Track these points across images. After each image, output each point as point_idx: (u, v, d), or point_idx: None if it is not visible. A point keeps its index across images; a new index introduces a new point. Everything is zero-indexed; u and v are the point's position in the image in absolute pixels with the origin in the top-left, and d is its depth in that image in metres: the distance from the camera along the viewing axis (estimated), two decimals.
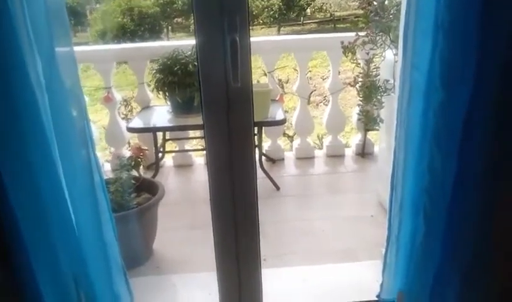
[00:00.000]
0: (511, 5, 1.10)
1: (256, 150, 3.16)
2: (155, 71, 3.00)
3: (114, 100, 3.35)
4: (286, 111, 3.83)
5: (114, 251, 1.43)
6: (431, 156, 1.27)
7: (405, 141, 1.35)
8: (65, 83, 1.18)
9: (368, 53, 2.72)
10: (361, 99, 2.82)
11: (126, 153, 3.13)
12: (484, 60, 1.14)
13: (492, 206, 1.28)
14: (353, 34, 2.69)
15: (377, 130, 3.02)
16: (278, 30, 10.04)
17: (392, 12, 2.49)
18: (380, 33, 2.47)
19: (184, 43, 3.40)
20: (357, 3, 2.79)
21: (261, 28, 10.00)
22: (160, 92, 3.02)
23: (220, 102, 1.39)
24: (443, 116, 1.22)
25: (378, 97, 2.63)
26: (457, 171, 1.25)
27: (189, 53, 2.95)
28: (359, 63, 2.94)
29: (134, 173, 2.38)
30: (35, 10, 1.10)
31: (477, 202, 1.28)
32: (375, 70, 2.73)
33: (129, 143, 3.45)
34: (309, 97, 3.89)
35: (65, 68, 1.17)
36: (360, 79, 2.84)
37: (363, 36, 2.58)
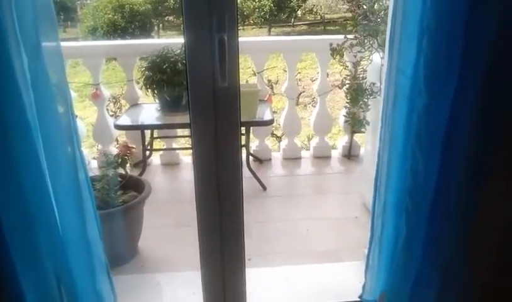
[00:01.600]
0: (495, 10, 1.12)
1: (244, 150, 3.17)
2: (144, 68, 3.00)
3: (102, 96, 3.33)
4: (275, 112, 3.85)
5: (97, 250, 1.42)
6: (414, 158, 1.30)
7: (389, 143, 1.37)
8: (51, 79, 1.17)
9: (355, 56, 2.75)
10: (348, 101, 2.85)
11: (114, 150, 3.11)
12: (468, 65, 1.17)
13: (472, 209, 1.31)
14: (342, 36, 2.71)
15: (364, 132, 3.06)
16: (269, 31, 10.07)
17: (380, 15, 2.52)
18: (368, 36, 2.50)
19: (173, 41, 3.40)
20: (347, 6, 2.81)
21: (252, 29, 10.01)
22: (149, 90, 3.01)
23: (207, 101, 1.39)
24: (427, 119, 1.25)
25: (365, 99, 2.66)
26: (439, 173, 1.28)
27: (178, 51, 2.94)
28: (347, 66, 2.97)
29: (121, 171, 2.37)
30: (22, 3, 1.08)
31: (458, 204, 1.30)
32: (362, 72, 2.76)
33: (117, 140, 3.43)
34: (298, 98, 3.92)
35: (51, 64, 1.16)
36: (348, 81, 2.87)
37: (351, 39, 2.61)
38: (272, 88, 4.81)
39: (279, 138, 4.16)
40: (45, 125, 1.20)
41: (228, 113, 1.42)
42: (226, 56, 1.32)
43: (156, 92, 2.99)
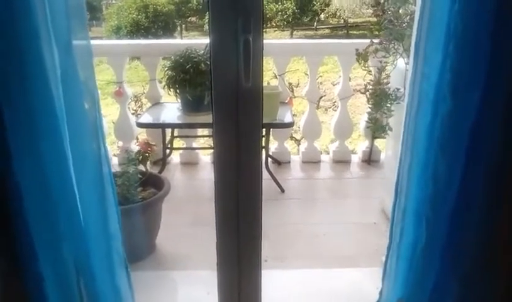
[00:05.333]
0: None
1: (263, 152, 3.17)
2: (167, 68, 3.03)
3: (125, 94, 3.39)
4: (295, 115, 3.84)
5: (117, 244, 1.44)
6: (436, 165, 1.28)
7: (411, 149, 1.36)
8: (80, 76, 1.20)
9: (380, 61, 2.73)
10: (370, 106, 2.83)
11: (134, 147, 3.16)
12: (493, 71, 1.15)
13: (494, 218, 1.28)
14: (364, 41, 2.70)
15: (385, 138, 3.03)
16: (291, 34, 10.07)
17: (406, 20, 2.50)
18: (394, 41, 2.47)
19: (197, 41, 3.43)
20: (371, 10, 2.80)
21: (275, 31, 10.03)
22: (171, 90, 3.05)
23: (230, 101, 1.40)
24: (450, 125, 1.23)
25: (388, 105, 2.64)
26: (461, 181, 1.26)
27: (202, 52, 2.97)
28: (370, 71, 2.95)
29: (141, 167, 2.40)
30: (56, 3, 1.12)
31: (479, 214, 1.28)
32: (386, 78, 2.73)
33: (137, 138, 3.48)
34: (319, 102, 3.90)
35: (80, 61, 1.19)
36: (371, 86, 2.84)
37: (376, 44, 2.59)
38: (292, 91, 4.80)
39: (298, 141, 4.15)
40: (72, 120, 1.22)
41: (250, 114, 1.43)
42: (250, 57, 1.33)
43: (178, 91, 3.03)
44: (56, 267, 1.30)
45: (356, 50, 2.76)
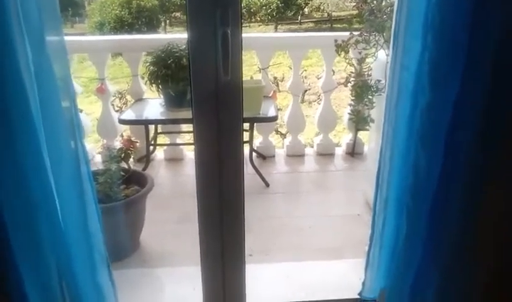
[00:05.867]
0: (501, 7, 1.11)
1: (247, 146, 3.17)
2: (148, 64, 3.00)
3: (107, 91, 3.35)
4: (280, 109, 3.84)
5: (98, 243, 1.42)
6: (416, 156, 1.29)
7: (391, 140, 1.37)
8: (55, 73, 1.17)
9: (360, 53, 2.73)
10: (352, 98, 2.84)
11: (119, 145, 3.12)
12: (472, 62, 1.16)
13: (474, 207, 1.30)
14: (346, 33, 2.70)
15: (368, 130, 3.04)
16: (276, 28, 10.04)
17: (386, 12, 2.51)
18: (374, 33, 2.48)
19: (179, 36, 3.40)
20: (354, 3, 2.80)
21: (259, 25, 9.99)
22: (153, 85, 3.02)
23: (210, 95, 1.39)
24: (430, 116, 1.24)
25: (370, 97, 2.65)
26: (441, 172, 1.27)
27: (183, 46, 2.94)
28: (352, 63, 2.95)
29: (125, 165, 2.38)
30: None
31: (459, 203, 1.30)
32: (367, 69, 2.75)
33: (122, 135, 3.44)
34: (303, 95, 3.91)
35: (55, 58, 1.17)
36: (353, 78, 2.85)
37: (357, 35, 2.60)
38: (277, 85, 4.80)
39: (283, 135, 4.15)
40: (48, 118, 1.20)
41: (231, 108, 1.42)
42: (229, 50, 1.32)
43: (160, 87, 3.00)
44: (36, 268, 1.28)
45: (335, 41, 2.76)
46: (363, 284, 1.62)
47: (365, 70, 2.77)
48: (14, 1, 1.06)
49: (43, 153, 1.21)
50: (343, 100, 4.72)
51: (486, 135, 1.23)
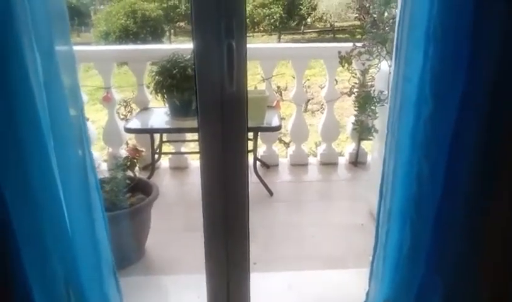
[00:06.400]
0: (502, 17, 1.12)
1: (251, 155, 3.18)
2: (154, 73, 3.03)
3: (113, 100, 3.38)
4: (283, 118, 3.86)
5: (105, 251, 1.43)
6: (420, 166, 1.30)
7: (395, 151, 1.38)
8: (63, 82, 1.19)
9: (364, 64, 2.76)
10: (356, 108, 2.85)
11: (124, 153, 3.15)
12: (474, 73, 1.17)
13: (478, 217, 1.30)
14: (349, 44, 2.72)
15: (371, 140, 3.05)
16: (279, 38, 10.10)
17: (389, 23, 2.53)
18: (377, 44, 2.51)
19: (184, 46, 3.44)
20: (356, 14, 2.82)
21: (262, 35, 10.06)
22: (159, 94, 3.05)
23: (215, 105, 1.41)
24: (433, 126, 1.25)
25: (373, 107, 2.67)
26: (444, 181, 1.28)
27: (188, 56, 2.98)
28: (355, 74, 2.97)
29: (130, 173, 2.40)
30: (36, 8, 1.11)
31: (463, 213, 1.30)
32: (370, 80, 2.77)
33: (127, 143, 3.47)
34: (306, 105, 3.93)
35: (64, 67, 1.19)
36: (356, 89, 2.87)
37: (359, 47, 2.62)
38: (280, 94, 4.82)
39: (287, 144, 4.17)
40: (57, 127, 1.22)
41: (236, 118, 1.44)
42: (234, 61, 1.34)
43: (166, 96, 3.03)
44: (44, 277, 1.29)
45: (339, 52, 2.78)
46: (367, 294, 1.62)
47: (368, 81, 2.79)
48: (24, 11, 1.08)
49: (52, 161, 1.22)
50: (346, 110, 4.74)
51: (489, 145, 1.23)
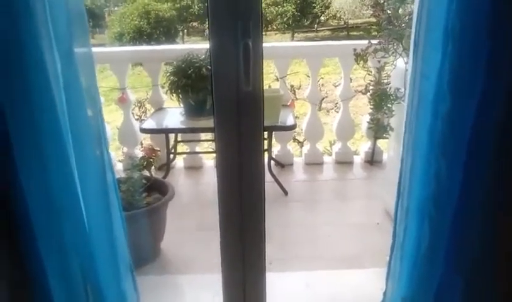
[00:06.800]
0: None
1: (266, 155, 3.18)
2: (169, 73, 3.05)
3: (128, 101, 3.42)
4: (297, 117, 3.85)
5: (122, 250, 1.45)
6: (438, 164, 1.28)
7: (412, 149, 1.36)
8: (82, 83, 1.21)
9: (379, 61, 2.73)
10: (371, 107, 2.83)
11: (139, 153, 3.18)
12: (493, 70, 1.15)
13: (497, 215, 1.29)
14: (364, 41, 2.70)
15: (386, 138, 3.03)
16: (292, 36, 10.08)
17: (405, 20, 2.50)
18: (393, 41, 2.48)
19: (198, 46, 3.45)
20: (371, 11, 2.80)
21: (276, 34, 10.05)
22: (174, 95, 3.07)
23: (231, 105, 1.41)
24: (451, 125, 1.23)
25: (389, 105, 2.64)
26: (463, 179, 1.26)
27: (203, 56, 2.99)
28: (371, 71, 2.95)
29: (146, 173, 2.42)
30: (57, 11, 1.13)
31: (482, 211, 1.28)
32: (386, 78, 2.74)
33: (141, 143, 3.50)
34: (320, 103, 3.91)
35: (82, 69, 1.20)
36: (372, 87, 2.85)
37: (375, 44, 2.60)
38: (294, 93, 4.80)
39: (301, 143, 4.16)
40: (75, 127, 1.24)
41: (252, 118, 1.44)
42: (250, 61, 1.34)
43: (180, 96, 3.04)
44: (63, 274, 1.30)
45: (354, 50, 2.76)
46: (384, 294, 1.61)
47: (384, 78, 2.77)
48: (43, 12, 1.10)
49: (70, 160, 1.24)
50: (361, 108, 4.70)
51: (508, 142, 1.22)
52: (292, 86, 4.48)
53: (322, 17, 10.49)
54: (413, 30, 1.35)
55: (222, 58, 1.38)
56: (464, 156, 1.24)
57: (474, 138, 1.22)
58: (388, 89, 2.68)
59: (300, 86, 4.83)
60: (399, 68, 2.56)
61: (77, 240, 1.32)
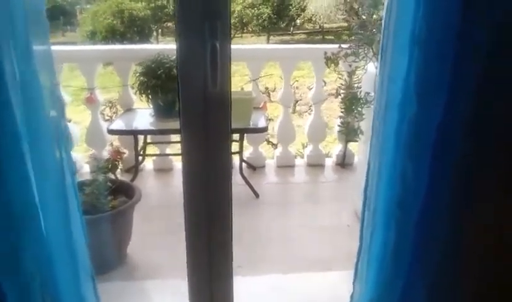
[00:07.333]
0: (487, 21, 1.12)
1: (237, 157, 3.16)
2: (138, 74, 2.99)
3: (96, 101, 3.33)
4: (271, 119, 3.85)
5: (83, 256, 1.40)
6: (404, 167, 1.29)
7: (379, 152, 1.37)
8: (41, 82, 1.16)
9: (350, 65, 2.75)
10: (342, 110, 2.85)
11: (107, 155, 3.09)
12: (458, 75, 1.17)
13: (461, 218, 1.30)
14: (336, 46, 2.71)
15: (357, 141, 3.05)
16: (268, 39, 10.11)
17: (377, 25, 2.53)
18: (363, 46, 2.50)
19: (169, 46, 3.40)
20: (349, 17, 2.82)
21: (251, 36, 10.06)
22: (143, 95, 3.01)
23: (198, 106, 1.39)
24: (417, 128, 1.24)
25: (359, 109, 2.66)
26: (428, 183, 1.27)
27: (174, 57, 2.94)
28: (342, 75, 2.97)
29: (112, 176, 2.36)
30: (13, 8, 1.08)
31: (447, 214, 1.30)
32: (357, 82, 2.76)
33: (112, 144, 3.41)
34: (295, 106, 3.93)
35: (42, 67, 1.16)
36: (343, 91, 2.87)
37: (346, 48, 2.61)
38: (269, 95, 4.81)
39: (275, 145, 4.16)
40: (33, 128, 1.18)
41: (219, 120, 1.42)
42: (217, 62, 1.32)
43: (150, 97, 2.99)
44: (18, 282, 1.25)
45: (325, 53, 2.77)
46: (352, 297, 1.61)
47: (355, 82, 2.79)
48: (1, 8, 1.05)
49: (26, 162, 1.18)
50: (335, 111, 4.73)
51: (473, 145, 1.24)
52: (266, 88, 4.48)
53: (298, 21, 10.57)
54: (381, 34, 1.35)
55: (189, 59, 1.35)
56: (430, 158, 1.25)
57: (440, 140, 1.23)
58: (359, 93, 2.70)
59: (275, 88, 4.83)
60: (370, 73, 2.58)
61: (33, 246, 1.26)
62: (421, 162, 1.26)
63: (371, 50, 2.48)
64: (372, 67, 2.55)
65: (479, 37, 1.14)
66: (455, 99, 1.19)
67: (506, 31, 1.14)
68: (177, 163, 3.52)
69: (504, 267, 1.39)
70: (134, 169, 3.17)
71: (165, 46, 4.11)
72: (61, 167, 1.25)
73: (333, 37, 9.44)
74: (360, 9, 2.70)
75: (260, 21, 9.91)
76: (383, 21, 1.36)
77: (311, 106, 4.04)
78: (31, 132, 1.18)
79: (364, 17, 2.62)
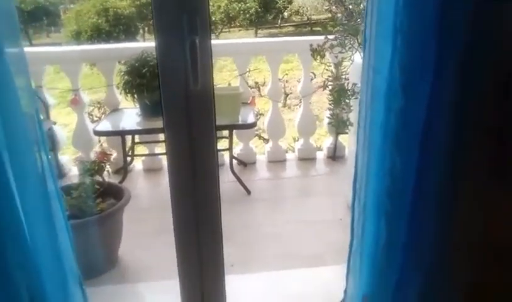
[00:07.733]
0: (467, 10, 1.11)
1: (228, 154, 3.13)
2: (123, 73, 2.94)
3: (81, 102, 3.27)
4: (262, 114, 3.82)
5: (69, 261, 1.37)
6: (392, 159, 1.27)
7: (367, 145, 1.35)
8: (15, 85, 1.13)
9: (336, 56, 2.73)
10: (330, 102, 2.83)
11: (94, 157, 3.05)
12: (442, 65, 1.15)
13: (451, 209, 1.29)
14: (322, 37, 2.69)
15: (348, 133, 3.04)
16: (256, 33, 10.06)
17: (361, 15, 2.50)
18: (348, 36, 2.48)
19: (152, 44, 3.34)
20: (333, 7, 2.79)
21: (239, 30, 10.00)
22: (128, 95, 2.96)
23: (180, 105, 1.37)
24: (403, 119, 1.23)
25: (347, 100, 2.64)
26: (417, 174, 1.26)
27: None
28: (329, 66, 2.94)
29: (100, 178, 2.32)
30: None
31: (437, 205, 1.29)
32: (344, 73, 2.74)
33: (101, 145, 3.37)
34: (285, 100, 3.90)
35: (15, 70, 1.12)
36: (330, 82, 2.84)
37: (332, 39, 2.59)
38: (258, 90, 4.78)
39: (267, 140, 4.14)
40: (10, 132, 1.15)
41: (203, 117, 1.39)
42: (197, 59, 1.29)
43: (136, 96, 2.94)
44: (5, 291, 1.22)
45: (311, 45, 2.74)
46: (345, 291, 1.60)
47: (342, 73, 2.76)
48: None
49: (7, 168, 1.15)
50: (325, 104, 4.72)
51: (460, 135, 1.22)
52: (256, 83, 4.44)
53: (285, 13, 10.52)
54: (364, 24, 1.33)
55: (169, 57, 1.33)
56: (417, 150, 1.24)
57: (427, 132, 1.22)
58: (346, 84, 2.68)
59: (264, 83, 4.80)
60: (357, 63, 2.56)
61: (18, 253, 1.22)
62: (409, 154, 1.25)
63: (356, 41, 2.45)
64: (358, 58, 2.53)
65: (460, 27, 1.13)
66: (440, 90, 1.18)
67: (484, 19, 1.13)
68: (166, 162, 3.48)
69: (496, 256, 1.38)
70: (123, 170, 3.13)
71: (149, 44, 4.07)
72: (42, 172, 1.22)
73: (320, 29, 9.41)
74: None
75: (247, 15, 9.84)
76: (365, 10, 1.34)
77: (300, 99, 4.02)
78: (8, 137, 1.14)
79: (351, 7, 2.59)
